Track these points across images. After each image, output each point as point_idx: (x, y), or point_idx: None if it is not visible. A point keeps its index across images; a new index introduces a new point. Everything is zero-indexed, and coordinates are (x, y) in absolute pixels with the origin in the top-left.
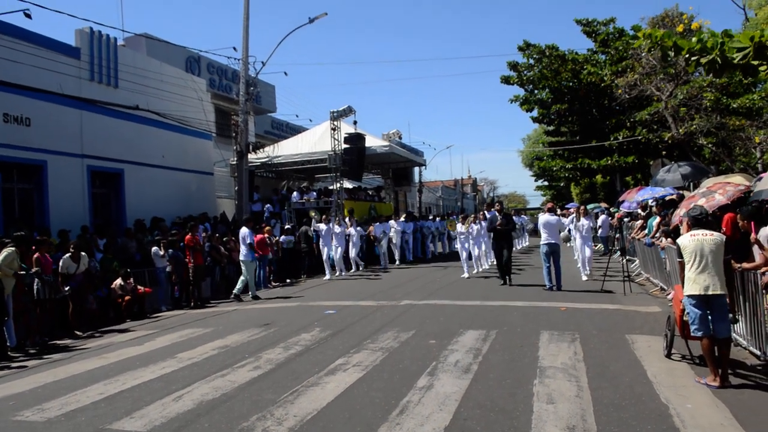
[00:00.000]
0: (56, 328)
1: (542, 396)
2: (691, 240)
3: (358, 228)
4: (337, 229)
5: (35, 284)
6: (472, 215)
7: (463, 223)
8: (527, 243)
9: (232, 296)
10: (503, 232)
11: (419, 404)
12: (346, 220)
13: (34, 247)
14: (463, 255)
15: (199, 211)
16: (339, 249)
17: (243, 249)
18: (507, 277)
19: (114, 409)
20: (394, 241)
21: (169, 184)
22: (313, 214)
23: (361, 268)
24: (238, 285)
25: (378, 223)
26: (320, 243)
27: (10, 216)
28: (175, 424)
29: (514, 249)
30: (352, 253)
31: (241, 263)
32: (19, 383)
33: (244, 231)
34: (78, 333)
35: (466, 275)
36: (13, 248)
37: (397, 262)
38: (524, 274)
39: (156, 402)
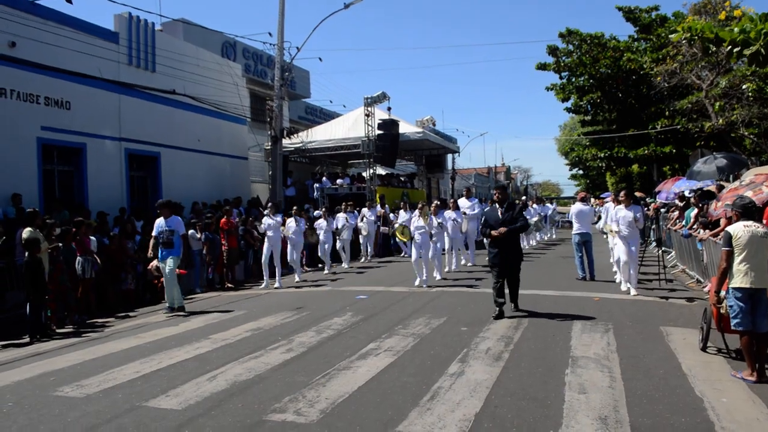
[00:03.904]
0: (94, 307)
1: (574, 385)
2: (745, 230)
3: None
4: (292, 225)
5: (78, 263)
6: (433, 206)
7: (421, 215)
8: (554, 235)
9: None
10: (505, 235)
11: (450, 390)
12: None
13: (74, 229)
14: (414, 255)
15: (234, 195)
16: (298, 246)
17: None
18: (513, 303)
19: (150, 387)
20: (364, 233)
21: (205, 167)
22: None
23: (327, 269)
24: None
25: (343, 213)
26: (265, 243)
27: (51, 197)
28: (210, 402)
29: (532, 243)
30: (320, 251)
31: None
32: (58, 360)
33: (158, 221)
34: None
35: (424, 278)
36: (30, 229)
37: (368, 258)
38: (554, 265)
39: (191, 381)
